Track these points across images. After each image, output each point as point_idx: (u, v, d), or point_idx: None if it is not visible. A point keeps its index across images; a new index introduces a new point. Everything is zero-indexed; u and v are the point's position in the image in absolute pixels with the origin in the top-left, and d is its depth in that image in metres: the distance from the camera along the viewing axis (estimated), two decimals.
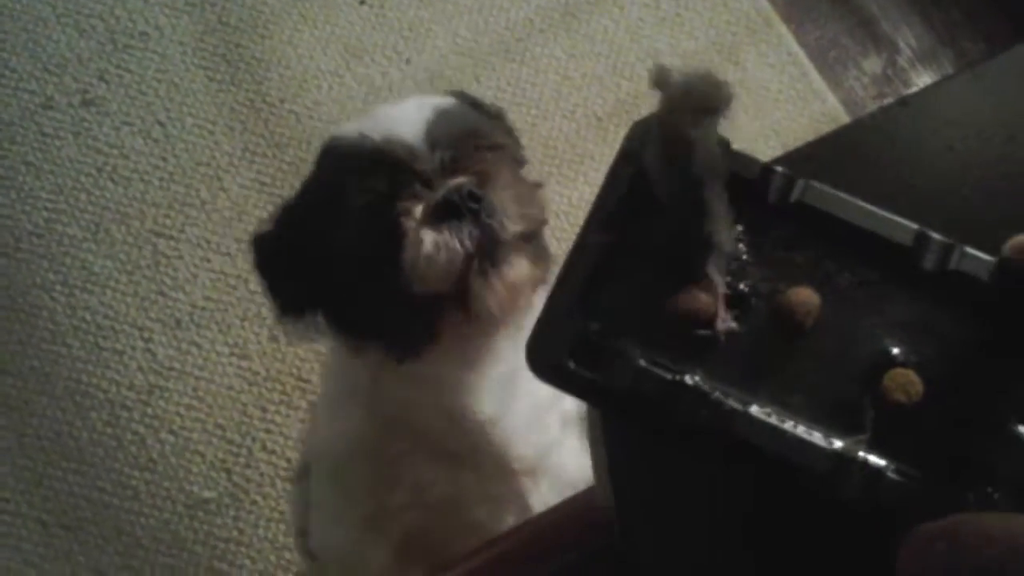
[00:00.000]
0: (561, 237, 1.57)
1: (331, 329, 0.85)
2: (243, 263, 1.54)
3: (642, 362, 0.49)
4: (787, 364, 0.51)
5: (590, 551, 0.57)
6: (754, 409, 0.48)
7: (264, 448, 1.43)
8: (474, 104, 0.91)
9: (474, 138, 0.81)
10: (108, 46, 1.68)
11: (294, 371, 1.47)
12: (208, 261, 1.54)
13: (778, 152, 1.74)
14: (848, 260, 0.53)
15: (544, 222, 0.83)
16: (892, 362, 0.51)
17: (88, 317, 1.51)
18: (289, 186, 1.59)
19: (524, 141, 1.63)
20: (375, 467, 0.90)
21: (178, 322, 1.50)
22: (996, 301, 0.52)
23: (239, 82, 1.66)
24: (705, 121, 0.51)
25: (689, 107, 0.51)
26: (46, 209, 1.57)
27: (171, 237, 1.56)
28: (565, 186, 1.63)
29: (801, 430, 0.48)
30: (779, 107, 1.69)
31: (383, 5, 1.72)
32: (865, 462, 0.48)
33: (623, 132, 1.81)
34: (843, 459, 0.48)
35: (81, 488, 1.41)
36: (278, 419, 1.44)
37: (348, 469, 0.94)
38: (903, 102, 0.68)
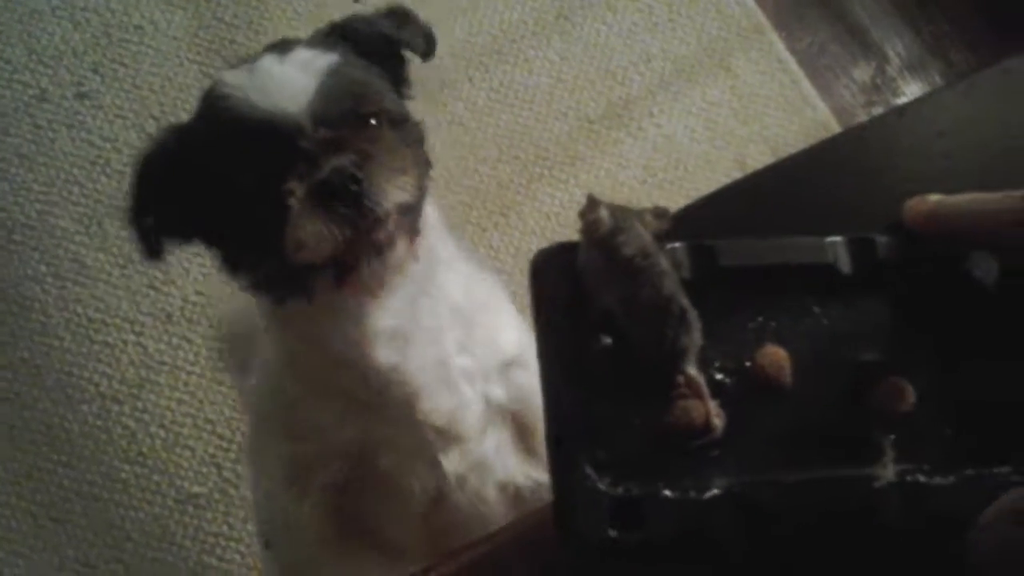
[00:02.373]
0: (551, 237, 1.59)
1: (212, 258, 0.86)
2: None
3: (668, 493, 0.48)
4: (785, 424, 0.51)
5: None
6: (783, 479, 0.49)
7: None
8: (368, 47, 0.88)
9: (359, 108, 0.80)
10: (103, 39, 1.68)
11: None
12: (199, 256, 1.54)
13: (768, 159, 1.77)
14: (788, 301, 0.53)
15: (424, 188, 0.84)
16: (876, 378, 0.52)
17: (80, 310, 1.51)
18: None
19: (516, 142, 1.66)
20: (285, 416, 0.93)
21: (169, 316, 1.51)
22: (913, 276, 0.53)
23: None
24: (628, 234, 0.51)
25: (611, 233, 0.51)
26: (39, 201, 1.58)
27: None
28: (556, 188, 1.64)
29: (832, 477, 0.49)
30: (769, 113, 1.71)
31: (378, 4, 1.73)
32: (901, 481, 0.49)
33: (614, 135, 1.82)
34: (878, 487, 0.49)
35: (71, 481, 1.41)
36: None
37: (265, 423, 0.97)
38: (900, 111, 0.70)
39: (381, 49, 0.89)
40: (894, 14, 1.82)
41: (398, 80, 0.90)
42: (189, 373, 1.48)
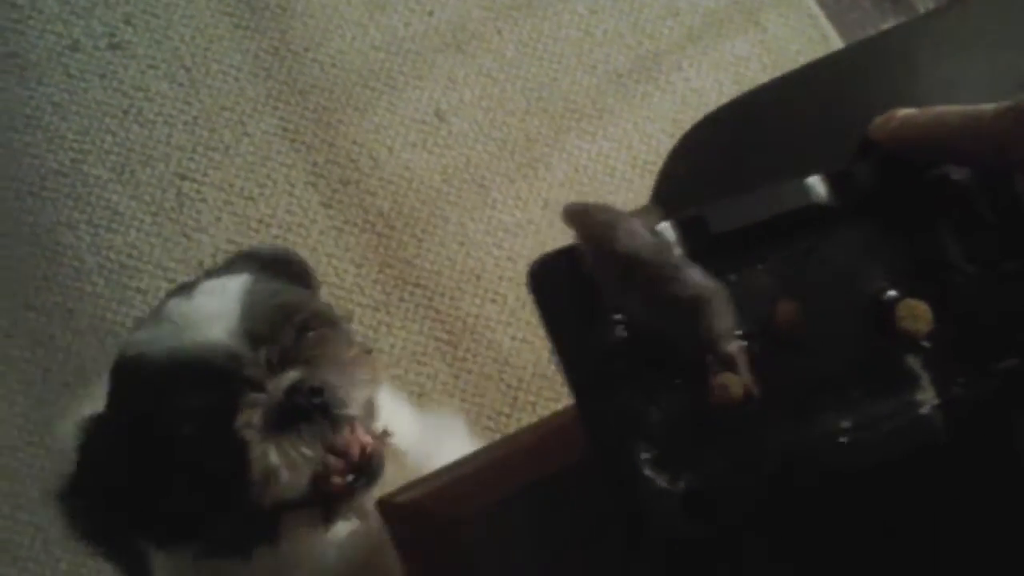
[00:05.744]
0: (580, 192, 1.59)
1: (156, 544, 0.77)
2: (265, 207, 1.56)
3: (727, 475, 0.48)
4: (819, 374, 0.51)
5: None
6: (838, 427, 0.49)
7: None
8: (272, 265, 0.83)
9: (292, 318, 0.73)
10: None
11: None
12: (231, 204, 1.56)
13: None
14: (786, 251, 0.53)
15: (378, 383, 0.78)
16: (890, 304, 0.51)
17: (112, 256, 1.53)
18: (311, 133, 1.61)
19: (545, 95, 1.66)
20: None
21: (201, 263, 1.52)
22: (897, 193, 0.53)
23: (264, 29, 1.68)
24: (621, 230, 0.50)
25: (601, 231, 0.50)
26: (72, 149, 1.59)
27: (195, 180, 1.58)
28: (584, 140, 1.64)
29: (881, 414, 0.49)
30: None
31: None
32: (944, 400, 0.49)
33: (643, 88, 1.82)
34: (923, 412, 0.49)
35: None
36: None
37: None
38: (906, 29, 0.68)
39: (278, 261, 0.84)
40: None
41: (302, 279, 0.85)
42: None
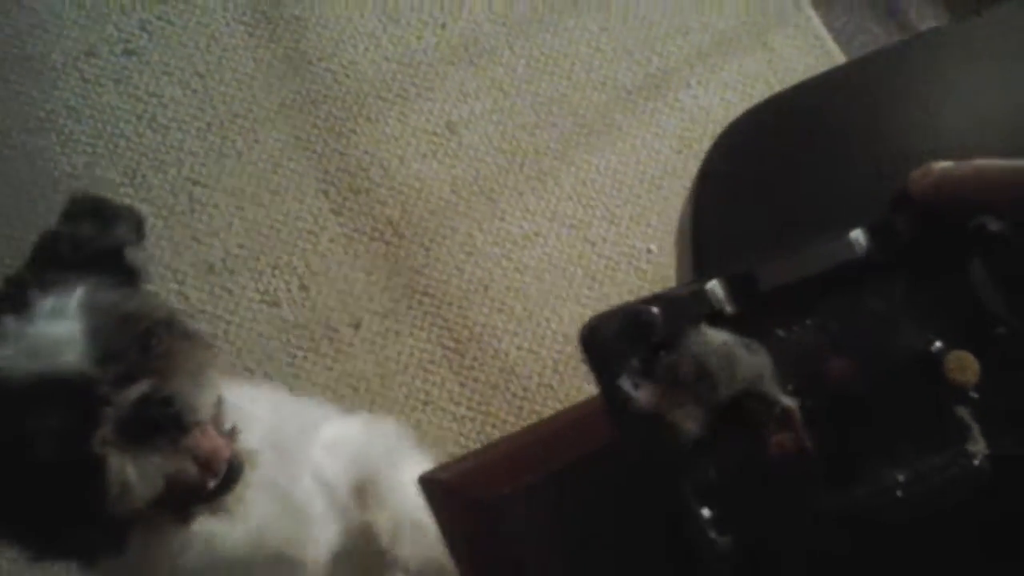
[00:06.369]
0: (586, 204, 1.61)
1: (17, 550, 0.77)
2: (276, 214, 1.57)
3: (786, 532, 0.49)
4: (871, 428, 0.51)
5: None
6: (893, 481, 0.49)
7: (291, 393, 1.46)
8: (75, 258, 0.80)
9: (133, 329, 0.74)
10: None
11: (323, 320, 1.50)
12: (242, 210, 1.57)
13: None
14: (834, 305, 0.53)
15: (220, 382, 0.79)
16: (939, 357, 0.51)
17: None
18: (323, 142, 1.62)
19: (554, 110, 1.68)
20: None
21: (211, 267, 1.53)
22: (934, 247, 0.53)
23: (278, 39, 1.70)
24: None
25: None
26: (85, 153, 1.61)
27: (206, 185, 1.59)
28: (592, 155, 1.66)
29: (936, 466, 0.50)
30: None
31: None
32: (994, 452, 0.49)
33: (652, 105, 1.85)
34: (977, 464, 0.49)
35: None
36: (306, 366, 1.48)
37: None
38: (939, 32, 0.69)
39: (96, 259, 0.80)
40: None
41: (129, 275, 0.83)
42: (228, 322, 1.50)
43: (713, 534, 0.48)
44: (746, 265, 0.53)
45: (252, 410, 0.84)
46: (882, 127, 0.57)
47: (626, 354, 0.50)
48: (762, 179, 0.58)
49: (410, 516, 1.00)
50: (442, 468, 0.56)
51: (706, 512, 0.48)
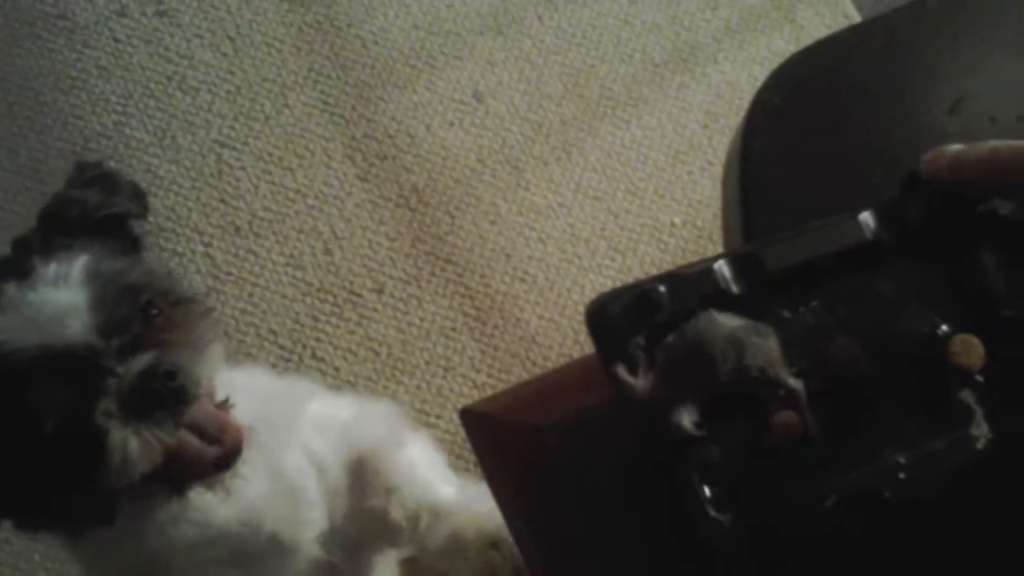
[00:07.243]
0: (610, 176, 1.61)
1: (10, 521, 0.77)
2: (303, 178, 1.58)
3: (791, 513, 0.49)
4: (875, 409, 0.51)
5: None
6: (896, 463, 0.50)
7: (314, 356, 1.48)
8: (82, 224, 0.80)
9: (138, 300, 0.74)
10: None
11: (346, 284, 1.52)
12: (269, 174, 1.59)
13: None
14: (840, 286, 0.53)
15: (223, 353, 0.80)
16: (944, 340, 0.52)
17: (150, 219, 1.55)
18: (351, 108, 1.64)
19: (581, 81, 1.68)
20: None
21: (237, 229, 1.55)
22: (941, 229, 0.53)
23: (309, 4, 1.70)
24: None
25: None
26: (115, 112, 1.62)
27: (235, 148, 1.60)
28: (618, 128, 1.66)
29: (939, 448, 0.50)
30: None
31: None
32: (998, 435, 0.50)
33: (679, 79, 1.85)
34: (980, 448, 0.50)
35: None
36: (328, 329, 1.49)
37: None
38: None
39: (101, 226, 0.80)
40: None
41: (131, 242, 0.84)
42: (254, 285, 1.52)
43: (713, 512, 0.48)
44: (752, 246, 0.53)
45: (239, 384, 0.83)
46: (927, 71, 0.57)
47: (631, 332, 0.51)
48: (813, 114, 0.58)
49: (427, 505, 1.03)
50: (483, 401, 0.57)
51: (707, 491, 0.49)
